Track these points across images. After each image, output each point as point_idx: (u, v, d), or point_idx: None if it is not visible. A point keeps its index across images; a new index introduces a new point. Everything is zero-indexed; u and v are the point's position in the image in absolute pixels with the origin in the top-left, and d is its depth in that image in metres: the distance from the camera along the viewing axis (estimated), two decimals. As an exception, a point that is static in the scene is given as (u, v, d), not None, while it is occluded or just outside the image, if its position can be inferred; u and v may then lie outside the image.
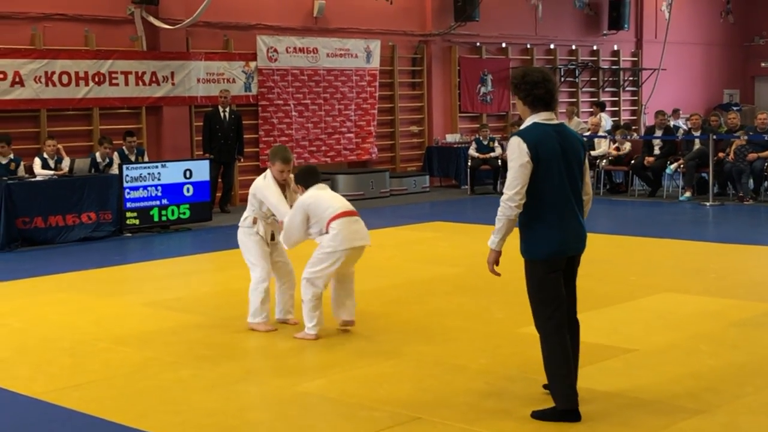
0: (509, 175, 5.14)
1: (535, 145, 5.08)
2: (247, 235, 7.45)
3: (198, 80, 15.87)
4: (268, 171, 7.41)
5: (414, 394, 5.78)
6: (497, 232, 5.18)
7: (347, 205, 7.19)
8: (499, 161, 17.91)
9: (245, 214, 7.54)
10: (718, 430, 5.07)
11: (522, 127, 5.28)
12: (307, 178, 7.19)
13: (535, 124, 5.21)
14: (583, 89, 22.51)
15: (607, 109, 21.56)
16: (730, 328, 7.28)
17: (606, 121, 19.31)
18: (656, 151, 16.67)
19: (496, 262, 5.28)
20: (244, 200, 16.78)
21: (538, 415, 5.24)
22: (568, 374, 5.15)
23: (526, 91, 5.23)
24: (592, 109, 20.47)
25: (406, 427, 5.18)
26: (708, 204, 15.12)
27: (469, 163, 18.02)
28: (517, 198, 5.08)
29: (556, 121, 5.28)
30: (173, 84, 15.60)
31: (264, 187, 7.32)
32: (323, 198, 7.10)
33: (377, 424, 5.24)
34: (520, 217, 5.16)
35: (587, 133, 17.51)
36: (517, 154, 5.09)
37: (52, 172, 12.96)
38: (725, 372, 6.12)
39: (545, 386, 5.45)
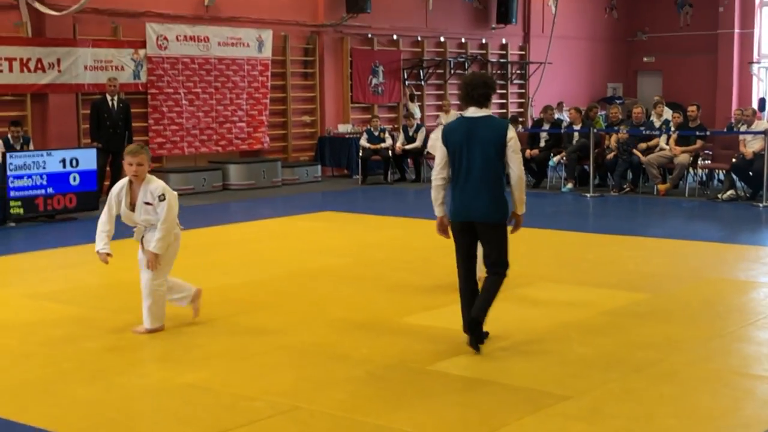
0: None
1: (446, 134, 6.47)
2: None
3: (85, 67, 15.63)
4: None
5: (295, 383, 5.91)
6: (433, 201, 6.59)
7: None
8: (390, 152, 18.16)
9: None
10: (582, 415, 5.29)
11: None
12: None
13: (459, 117, 6.56)
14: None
15: (495, 102, 21.93)
16: (600, 316, 7.56)
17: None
18: (542, 143, 17.21)
19: (442, 227, 6.63)
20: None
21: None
22: (461, 307, 6.64)
23: (463, 90, 6.56)
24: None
25: (285, 416, 5.31)
26: (589, 195, 15.63)
27: (361, 154, 18.21)
28: (435, 173, 6.54)
29: (477, 115, 6.43)
30: (59, 71, 15.32)
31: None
32: None
33: (257, 413, 5.35)
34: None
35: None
36: (439, 142, 6.54)
37: (-69, 160, 12.66)
38: (593, 359, 6.36)
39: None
